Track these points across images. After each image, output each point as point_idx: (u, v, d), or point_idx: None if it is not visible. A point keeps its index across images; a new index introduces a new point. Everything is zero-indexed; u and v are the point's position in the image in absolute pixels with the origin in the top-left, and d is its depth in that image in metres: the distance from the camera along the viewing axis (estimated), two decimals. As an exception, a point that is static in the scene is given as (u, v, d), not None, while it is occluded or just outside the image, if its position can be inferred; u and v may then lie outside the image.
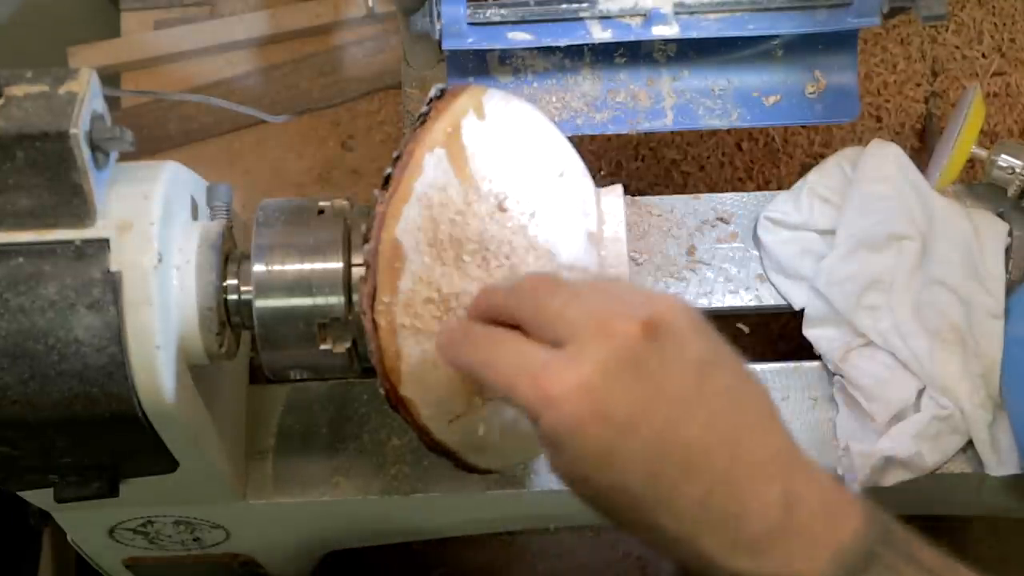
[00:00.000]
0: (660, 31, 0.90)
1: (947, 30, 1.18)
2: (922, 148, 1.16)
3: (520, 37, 0.90)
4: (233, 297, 0.81)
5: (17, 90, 0.74)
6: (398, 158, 0.75)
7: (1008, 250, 0.96)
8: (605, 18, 0.90)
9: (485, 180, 0.76)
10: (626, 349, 0.61)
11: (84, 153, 0.73)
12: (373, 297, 0.74)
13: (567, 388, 0.61)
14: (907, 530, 0.64)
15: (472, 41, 0.89)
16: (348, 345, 0.80)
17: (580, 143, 0.85)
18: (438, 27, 0.88)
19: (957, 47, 1.18)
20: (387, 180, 0.75)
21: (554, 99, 0.95)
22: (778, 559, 0.61)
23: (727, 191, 1.05)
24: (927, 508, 1.02)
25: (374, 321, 0.74)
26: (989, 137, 1.13)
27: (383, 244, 0.74)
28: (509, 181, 0.76)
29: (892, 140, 1.00)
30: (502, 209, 0.75)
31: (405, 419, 0.76)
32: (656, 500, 0.61)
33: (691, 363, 0.62)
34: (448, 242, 0.74)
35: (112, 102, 1.14)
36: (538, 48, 0.93)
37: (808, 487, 0.62)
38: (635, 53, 0.95)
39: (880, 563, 0.61)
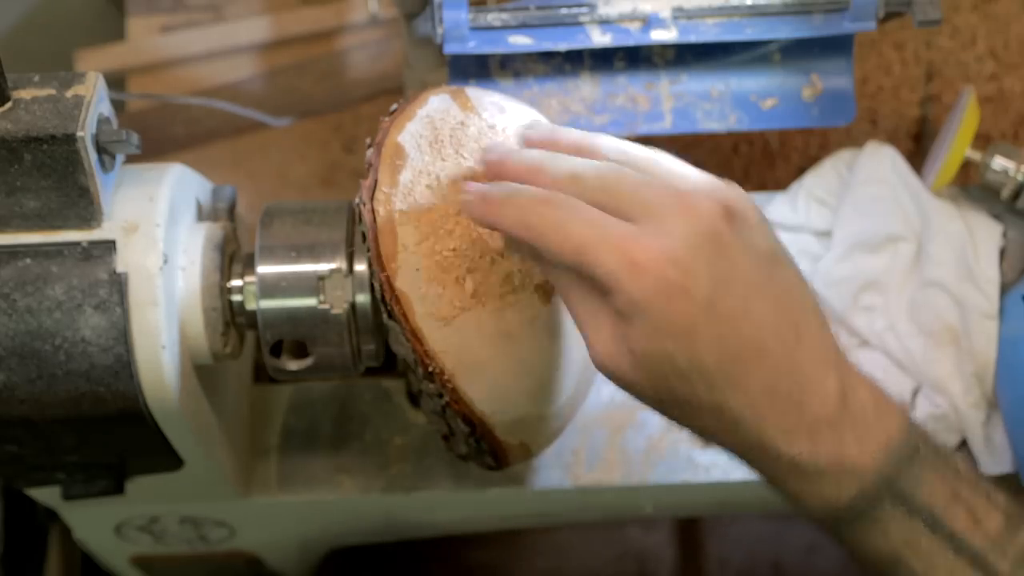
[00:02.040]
0: (659, 36, 0.90)
1: (942, 35, 1.18)
2: (917, 151, 1.16)
3: (521, 41, 0.90)
4: (237, 298, 0.82)
5: (25, 93, 0.74)
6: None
7: (1002, 252, 0.96)
8: (604, 23, 0.91)
9: (486, 112, 0.80)
10: (710, 227, 0.62)
11: (91, 156, 0.73)
12: (374, 189, 0.76)
13: (653, 257, 0.61)
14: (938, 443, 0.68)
15: (473, 45, 0.90)
16: (351, 344, 0.81)
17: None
18: (440, 31, 0.89)
19: (952, 52, 1.18)
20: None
21: (554, 102, 0.96)
22: (833, 445, 0.64)
23: (725, 193, 1.06)
24: (922, 506, 1.03)
25: (373, 211, 0.76)
26: (983, 140, 1.13)
27: (386, 147, 0.77)
28: (510, 123, 0.80)
29: (887, 143, 1.01)
30: (504, 133, 0.79)
31: (400, 322, 0.75)
32: (727, 379, 0.62)
33: (763, 252, 0.64)
34: (448, 142, 0.77)
35: (118, 105, 1.16)
36: (539, 52, 0.94)
37: (860, 382, 0.66)
38: (634, 57, 0.96)
39: (922, 458, 0.65)
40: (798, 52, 0.96)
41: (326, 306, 0.79)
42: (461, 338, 0.75)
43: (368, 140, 0.79)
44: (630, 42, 0.91)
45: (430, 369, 0.75)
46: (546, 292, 0.76)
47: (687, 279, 0.61)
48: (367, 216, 0.76)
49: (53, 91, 0.75)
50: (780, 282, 0.64)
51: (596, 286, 0.64)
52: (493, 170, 0.70)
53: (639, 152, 0.68)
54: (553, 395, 0.79)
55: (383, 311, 0.76)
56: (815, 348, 0.64)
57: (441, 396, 0.76)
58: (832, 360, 0.65)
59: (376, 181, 0.76)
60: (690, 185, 0.64)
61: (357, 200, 0.78)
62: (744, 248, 0.63)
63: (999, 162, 0.95)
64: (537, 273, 0.76)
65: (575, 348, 0.79)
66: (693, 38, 0.91)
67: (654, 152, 0.68)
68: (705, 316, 0.62)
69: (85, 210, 0.75)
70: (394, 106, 0.80)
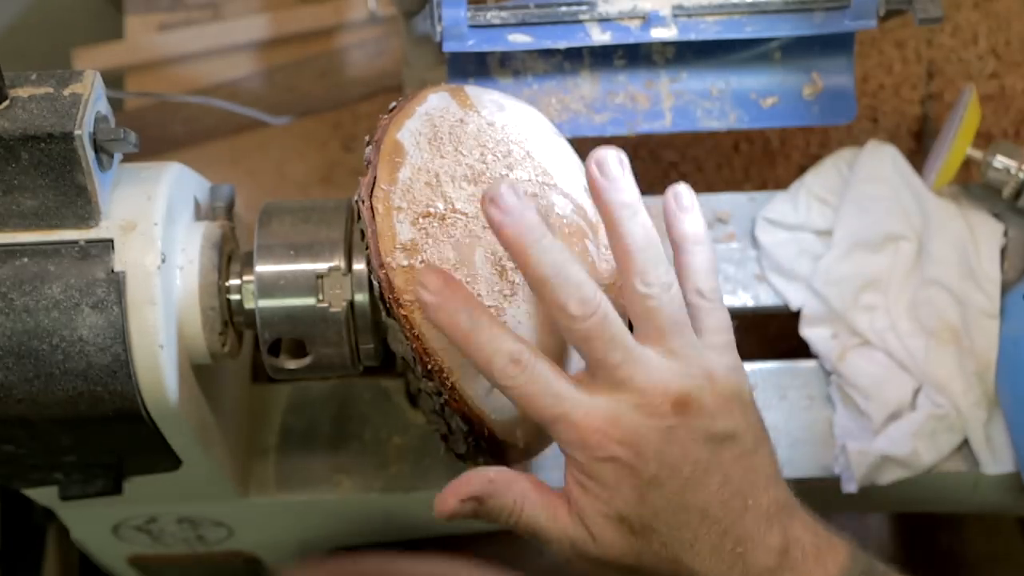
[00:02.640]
0: (659, 33, 0.90)
1: (943, 33, 1.18)
2: (918, 149, 1.16)
3: (520, 39, 0.90)
4: (236, 297, 0.82)
5: (22, 92, 0.74)
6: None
7: (1003, 250, 0.96)
8: (604, 21, 0.90)
9: (485, 109, 0.80)
10: (660, 422, 0.71)
11: (88, 154, 0.73)
12: (372, 186, 0.76)
13: (603, 439, 0.71)
14: (887, 566, 0.75)
15: (473, 43, 0.89)
16: (350, 342, 0.81)
17: (579, 145, 0.86)
18: (439, 29, 0.88)
19: (953, 49, 1.18)
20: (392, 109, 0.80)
21: (554, 101, 0.95)
22: None
23: (725, 192, 1.06)
24: (923, 506, 1.03)
25: (372, 207, 0.75)
26: (984, 138, 1.13)
27: (384, 144, 0.77)
28: (510, 121, 0.80)
29: (888, 141, 1.01)
30: (503, 131, 0.79)
31: (399, 320, 0.75)
32: (678, 540, 0.72)
33: (713, 436, 0.72)
34: (447, 139, 0.77)
35: (116, 104, 1.16)
36: (538, 50, 0.93)
37: (803, 532, 0.73)
38: (634, 55, 0.95)
39: None
40: (799, 50, 0.95)
41: (324, 304, 0.79)
42: None
43: (367, 137, 0.79)
44: (630, 40, 0.90)
45: (429, 367, 0.75)
46: None
47: (635, 459, 0.71)
48: (366, 213, 0.75)
49: (51, 89, 0.74)
50: (730, 459, 0.72)
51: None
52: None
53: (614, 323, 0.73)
54: (552, 394, 0.79)
55: (382, 309, 0.76)
56: (761, 510, 0.72)
57: (440, 394, 0.76)
58: (777, 516, 0.73)
59: (375, 178, 0.76)
60: (646, 379, 0.72)
61: (356, 197, 0.77)
62: (694, 433, 0.71)
63: (1000, 160, 0.95)
64: None
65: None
66: (693, 36, 0.90)
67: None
68: (650, 488, 0.71)
69: (83, 209, 0.75)
70: (393, 104, 0.80)
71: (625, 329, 0.73)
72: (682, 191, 0.79)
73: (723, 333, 0.76)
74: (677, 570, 0.72)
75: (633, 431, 0.71)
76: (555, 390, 0.72)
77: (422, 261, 0.74)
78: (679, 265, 0.77)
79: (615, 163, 0.75)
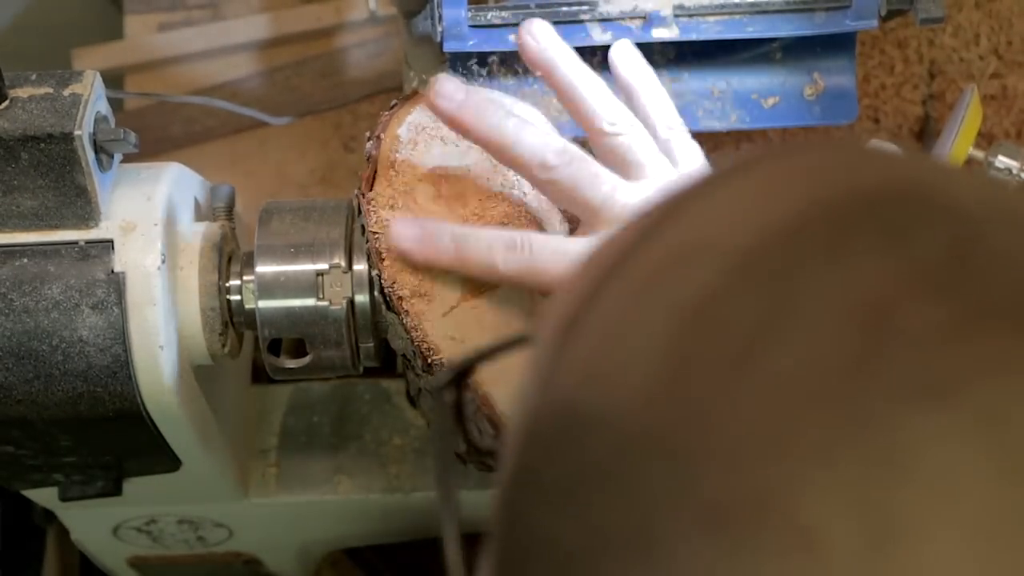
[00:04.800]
0: (660, 34, 0.90)
1: (945, 33, 1.18)
2: (920, 150, 1.16)
3: (521, 39, 0.90)
4: (236, 297, 0.82)
5: (22, 92, 0.74)
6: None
7: (1005, 251, 0.96)
8: (605, 21, 0.90)
9: None
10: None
11: (88, 155, 0.73)
12: (373, 180, 0.76)
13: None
14: None
15: (473, 43, 0.89)
16: (350, 341, 0.81)
17: (579, 146, 0.85)
18: (439, 29, 0.88)
19: (954, 50, 1.18)
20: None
21: (554, 101, 0.95)
22: None
23: (726, 192, 1.05)
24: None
25: (371, 201, 0.76)
26: (986, 139, 1.12)
27: (385, 139, 0.77)
28: None
29: (890, 142, 1.00)
30: None
31: (400, 315, 0.75)
32: None
33: None
34: (448, 133, 0.78)
35: (116, 104, 1.15)
36: (539, 50, 0.93)
37: None
38: (635, 55, 0.95)
39: None
40: (800, 50, 0.95)
41: (324, 303, 0.79)
42: (460, 328, 0.75)
43: (368, 133, 0.79)
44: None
45: (429, 360, 0.75)
46: None
47: None
48: (365, 207, 0.75)
49: (50, 89, 0.74)
50: None
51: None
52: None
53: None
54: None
55: (382, 302, 0.76)
56: None
57: None
58: None
59: (375, 171, 0.76)
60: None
61: (356, 191, 0.77)
62: None
63: (1002, 161, 0.95)
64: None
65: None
66: (694, 36, 0.90)
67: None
68: None
69: (83, 209, 0.75)
70: (394, 102, 0.80)
71: None
72: (624, 44, 0.82)
73: (699, 160, 0.79)
74: None
75: None
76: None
77: None
78: (638, 109, 0.80)
79: (541, 26, 0.79)
